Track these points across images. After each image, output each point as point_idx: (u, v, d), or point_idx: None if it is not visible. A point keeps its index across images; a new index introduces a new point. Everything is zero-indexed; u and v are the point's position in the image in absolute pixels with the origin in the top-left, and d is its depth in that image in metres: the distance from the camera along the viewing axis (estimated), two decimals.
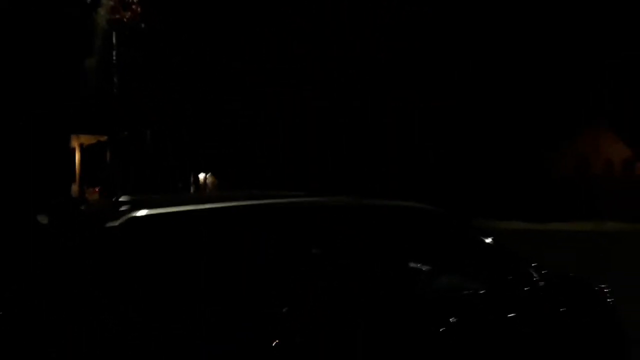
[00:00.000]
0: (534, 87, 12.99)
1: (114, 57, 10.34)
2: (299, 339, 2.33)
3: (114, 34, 9.88)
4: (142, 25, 9.59)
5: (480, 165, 12.90)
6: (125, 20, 9.26)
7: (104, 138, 16.05)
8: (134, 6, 9.45)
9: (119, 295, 2.11)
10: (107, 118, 12.04)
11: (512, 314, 2.84)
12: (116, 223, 2.22)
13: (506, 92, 12.94)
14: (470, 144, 13.19)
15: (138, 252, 2.26)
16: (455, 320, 2.63)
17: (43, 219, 2.50)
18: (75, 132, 13.90)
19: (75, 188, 15.43)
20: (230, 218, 2.55)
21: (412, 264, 3.05)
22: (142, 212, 2.34)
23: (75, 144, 16.19)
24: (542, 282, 2.93)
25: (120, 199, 2.61)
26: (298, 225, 2.57)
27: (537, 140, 13.14)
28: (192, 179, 19.81)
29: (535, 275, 2.94)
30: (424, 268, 3.11)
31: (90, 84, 10.64)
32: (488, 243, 3.01)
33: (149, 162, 13.47)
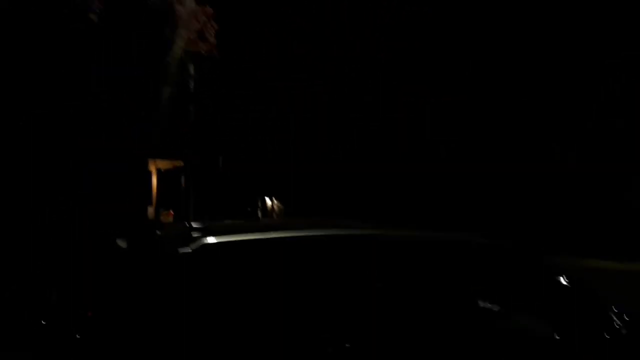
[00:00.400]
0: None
1: (191, 87, 10.94)
2: None
3: (191, 65, 10.49)
4: (218, 56, 10.11)
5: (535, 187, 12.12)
6: (202, 52, 9.81)
7: (179, 163, 16.87)
8: (210, 38, 10.00)
9: (193, 316, 2.19)
10: (183, 144, 12.66)
11: None
12: (189, 249, 2.33)
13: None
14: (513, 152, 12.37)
15: (209, 277, 2.35)
16: None
17: (122, 243, 2.66)
18: (153, 157, 14.71)
19: (151, 211, 16.22)
20: (294, 247, 2.60)
21: (480, 303, 2.94)
22: (213, 240, 2.43)
23: (152, 168, 17.11)
24: (625, 330, 2.73)
25: (193, 225, 2.73)
26: (361, 257, 2.57)
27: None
28: (259, 204, 20.29)
29: (617, 321, 2.74)
30: (494, 308, 2.98)
31: (165, 111, 11.25)
32: (563, 283, 2.85)
33: (220, 187, 13.95)
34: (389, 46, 12.03)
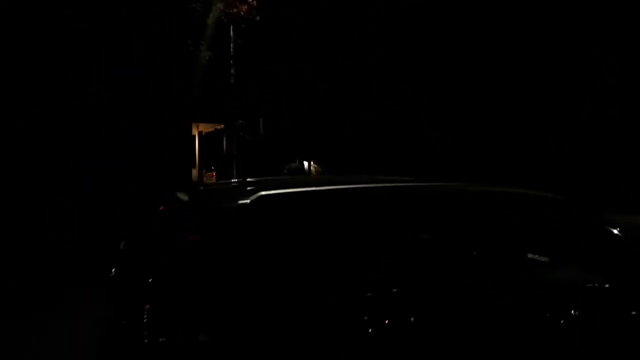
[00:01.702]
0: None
1: (231, 49, 10.99)
2: (409, 320, 2.40)
3: (231, 27, 10.50)
4: (257, 18, 10.07)
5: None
6: (242, 13, 9.78)
7: (220, 126, 17.14)
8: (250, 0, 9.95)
9: (251, 262, 2.32)
10: (224, 107, 12.81)
11: (636, 312, 2.67)
12: (248, 200, 2.45)
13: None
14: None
15: (266, 226, 2.47)
16: (576, 313, 2.54)
17: (183, 196, 2.81)
18: (196, 120, 14.99)
19: (195, 172, 16.67)
20: (348, 199, 2.68)
21: (531, 255, 2.97)
22: (270, 192, 2.54)
23: (195, 131, 17.46)
24: None
25: (247, 180, 2.84)
26: (417, 209, 2.63)
27: None
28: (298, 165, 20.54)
29: None
30: (544, 259, 3.01)
31: (202, 75, 11.32)
32: (616, 235, 2.84)
33: (259, 149, 14.15)
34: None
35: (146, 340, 2.23)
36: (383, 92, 13.48)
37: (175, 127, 11.71)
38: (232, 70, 11.13)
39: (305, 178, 3.28)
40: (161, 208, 3.27)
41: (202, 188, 3.16)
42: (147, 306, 2.24)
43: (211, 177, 18.51)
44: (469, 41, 12.01)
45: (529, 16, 11.47)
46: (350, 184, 2.79)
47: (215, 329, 2.29)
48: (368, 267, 2.49)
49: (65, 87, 8.76)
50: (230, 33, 10.66)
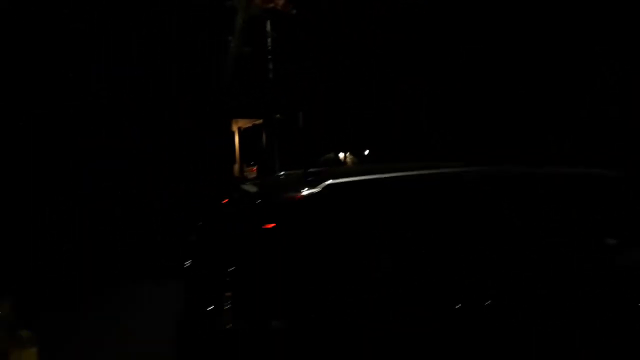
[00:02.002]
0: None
1: (269, 44, 11.10)
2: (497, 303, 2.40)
3: (268, 21, 10.59)
4: (294, 12, 10.12)
5: None
6: (278, 8, 9.85)
7: (259, 121, 17.36)
8: None
9: (323, 249, 2.40)
10: (262, 103, 12.97)
11: None
12: (316, 190, 2.52)
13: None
14: None
15: (334, 213, 2.53)
16: None
17: (251, 188, 2.90)
18: (235, 117, 15.23)
19: (235, 167, 16.99)
20: (411, 185, 2.71)
21: (599, 237, 2.93)
22: (337, 180, 2.61)
23: (234, 128, 17.77)
24: None
25: (309, 171, 2.90)
26: (485, 194, 2.64)
27: None
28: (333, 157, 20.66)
29: None
30: (611, 241, 2.96)
31: (229, 72, 11.42)
32: None
33: (298, 142, 14.26)
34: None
35: (228, 326, 2.34)
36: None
37: (216, 125, 11.91)
38: (270, 65, 11.24)
39: (360, 167, 3.31)
40: (225, 201, 3.38)
41: (267, 180, 3.25)
42: (229, 294, 2.35)
43: (252, 172, 18.80)
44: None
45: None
46: (413, 171, 2.82)
47: (289, 315, 2.38)
48: (439, 253, 2.52)
49: (116, 86, 9.03)
50: (267, 27, 10.77)
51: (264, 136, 16.01)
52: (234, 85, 11.80)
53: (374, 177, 2.65)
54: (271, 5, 9.75)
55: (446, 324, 2.37)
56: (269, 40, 10.98)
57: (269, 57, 11.24)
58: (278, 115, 14.37)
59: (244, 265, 2.43)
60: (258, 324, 2.35)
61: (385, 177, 2.65)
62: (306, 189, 2.59)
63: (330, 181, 2.57)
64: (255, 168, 17.66)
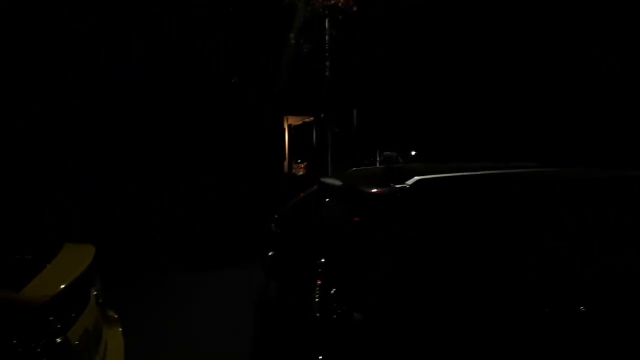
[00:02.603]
0: None
1: (326, 41, 11.16)
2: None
3: (326, 19, 10.67)
4: (355, 8, 10.13)
5: None
6: (340, 4, 9.88)
7: (309, 119, 17.48)
8: None
9: (411, 244, 2.41)
10: (316, 100, 13.05)
11: None
12: (406, 185, 2.53)
13: None
14: None
15: (424, 208, 2.53)
16: None
17: (334, 181, 2.95)
18: (287, 114, 15.41)
19: (285, 164, 17.19)
20: (499, 183, 2.68)
21: None
22: (427, 176, 2.61)
23: (284, 125, 17.97)
24: None
25: (392, 166, 2.91)
26: (573, 195, 2.58)
27: None
28: (377, 156, 20.57)
29: None
30: None
31: (287, 69, 11.50)
32: None
33: (351, 140, 14.27)
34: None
35: (318, 314, 2.38)
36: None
37: (269, 122, 12.06)
38: (327, 63, 11.31)
39: (430, 165, 3.28)
40: (302, 194, 3.43)
41: (347, 174, 3.27)
42: (319, 282, 2.39)
43: (300, 169, 18.96)
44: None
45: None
46: (498, 170, 2.79)
47: (370, 308, 2.39)
48: (526, 253, 2.48)
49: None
50: (325, 24, 10.85)
51: (314, 133, 16.13)
52: (289, 82, 11.94)
53: (464, 174, 2.63)
54: (332, 1, 9.79)
55: (531, 327, 2.32)
56: (327, 37, 11.06)
57: (326, 54, 11.30)
58: (331, 113, 14.41)
59: (334, 256, 2.47)
60: (342, 315, 2.38)
61: (475, 175, 2.62)
62: (393, 184, 2.60)
63: (419, 177, 2.57)
64: (304, 165, 17.83)
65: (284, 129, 17.14)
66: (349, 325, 2.35)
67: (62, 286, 2.22)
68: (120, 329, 3.15)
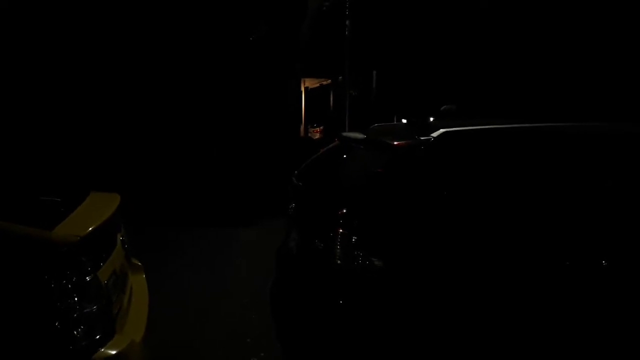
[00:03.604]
0: None
1: (347, 3, 10.92)
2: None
3: None
4: None
5: None
6: None
7: (327, 81, 17.28)
8: None
9: (435, 194, 2.41)
10: (334, 61, 12.87)
11: None
12: (432, 137, 2.51)
13: None
14: None
15: (450, 158, 2.53)
16: None
17: (357, 135, 2.94)
18: (304, 76, 15.23)
19: (302, 128, 17.12)
20: (527, 136, 2.65)
21: None
22: (449, 129, 2.59)
23: (301, 88, 17.81)
24: None
25: (414, 120, 2.88)
26: (601, 150, 2.55)
27: None
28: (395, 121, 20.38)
29: None
30: None
31: (307, 29, 11.28)
32: None
33: (370, 103, 14.12)
34: None
35: (339, 262, 2.42)
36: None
37: (287, 83, 11.96)
38: (347, 22, 11.07)
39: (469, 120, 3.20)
40: (322, 150, 3.43)
41: (373, 128, 3.26)
42: (340, 230, 2.42)
43: (316, 133, 18.87)
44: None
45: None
46: (526, 123, 2.75)
47: (390, 254, 2.42)
48: (549, 206, 2.47)
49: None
50: None
51: (331, 97, 15.96)
52: (308, 43, 11.75)
53: (491, 127, 2.61)
54: None
55: (551, 279, 2.33)
56: None
57: (347, 12, 11.06)
58: (346, 76, 14.23)
59: (355, 207, 2.48)
60: (363, 262, 2.41)
61: (503, 128, 2.60)
62: (418, 136, 2.59)
63: (445, 129, 2.55)
64: (320, 129, 17.71)
65: (301, 92, 17.03)
66: (370, 272, 2.39)
67: (91, 228, 2.27)
68: (144, 276, 3.24)
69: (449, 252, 2.40)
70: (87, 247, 2.20)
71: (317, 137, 18.35)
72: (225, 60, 9.79)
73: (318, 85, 18.15)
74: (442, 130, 2.53)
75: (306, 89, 18.28)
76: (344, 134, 3.13)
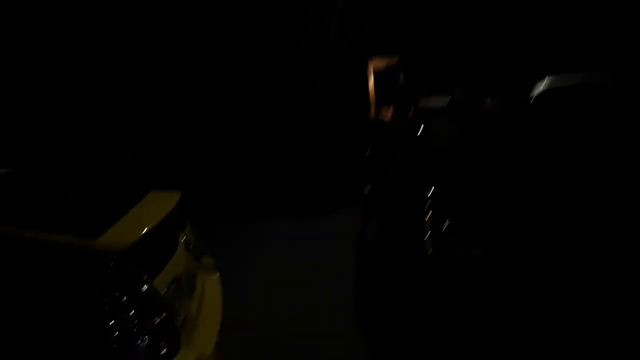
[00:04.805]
0: None
1: None
2: None
3: None
4: None
5: None
6: None
7: (392, 61, 16.62)
8: None
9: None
10: (401, 38, 12.21)
11: None
12: (535, 94, 2.04)
13: None
14: None
15: (553, 113, 2.05)
16: None
17: (438, 102, 2.51)
18: (371, 58, 14.67)
19: (372, 110, 16.61)
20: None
21: None
22: (549, 85, 2.10)
23: (370, 70, 17.27)
24: None
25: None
26: None
27: None
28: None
29: None
30: None
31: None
32: None
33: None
34: None
35: (431, 250, 2.01)
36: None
37: (354, 64, 11.52)
38: None
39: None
40: (393, 119, 3.04)
41: (454, 93, 2.81)
42: (429, 214, 2.01)
43: (388, 112, 18.34)
44: None
45: None
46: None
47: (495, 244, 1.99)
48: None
49: None
50: None
51: (401, 75, 15.30)
52: (370, 22, 11.19)
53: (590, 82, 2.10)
54: None
55: None
56: None
57: None
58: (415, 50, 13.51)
59: (446, 184, 2.06)
60: (458, 251, 1.99)
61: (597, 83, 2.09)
62: (516, 96, 2.12)
63: (545, 87, 2.07)
64: (391, 109, 17.16)
65: (369, 73, 16.48)
66: (467, 262, 1.97)
67: (143, 232, 2.02)
68: (218, 275, 2.99)
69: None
70: (140, 254, 1.95)
71: (389, 118, 17.82)
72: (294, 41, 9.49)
73: (385, 65, 17.57)
74: (542, 89, 2.04)
75: (374, 70, 17.73)
76: (420, 102, 2.68)
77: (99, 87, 8.44)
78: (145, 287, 1.91)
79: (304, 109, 9.94)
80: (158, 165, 7.97)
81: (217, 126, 9.06)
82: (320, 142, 9.80)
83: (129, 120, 8.52)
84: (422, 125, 2.63)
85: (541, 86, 2.11)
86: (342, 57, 10.62)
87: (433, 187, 2.04)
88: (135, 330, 1.82)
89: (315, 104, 10.01)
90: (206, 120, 9.00)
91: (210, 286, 2.78)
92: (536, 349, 1.97)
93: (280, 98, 9.60)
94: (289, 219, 6.96)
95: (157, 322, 1.89)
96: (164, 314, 1.93)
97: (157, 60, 8.76)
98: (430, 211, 2.01)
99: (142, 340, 1.82)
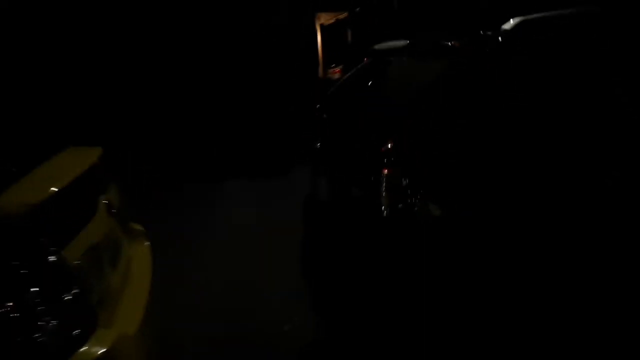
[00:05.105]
0: None
1: None
2: None
3: None
4: None
5: None
6: None
7: (342, 15, 16.09)
8: None
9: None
10: None
11: None
12: (509, 27, 1.82)
13: None
14: None
15: (528, 46, 1.85)
16: None
17: (397, 44, 2.25)
18: (317, 11, 14.14)
19: (320, 69, 16.12)
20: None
21: None
22: (531, 16, 1.88)
23: (316, 25, 16.67)
24: None
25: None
26: None
27: None
28: None
29: None
30: None
31: None
32: None
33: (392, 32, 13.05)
34: None
35: (386, 210, 1.79)
36: None
37: (300, 20, 11.10)
38: None
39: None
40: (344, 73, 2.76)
41: (414, 37, 2.55)
42: (386, 171, 1.78)
43: (335, 73, 17.89)
44: None
45: None
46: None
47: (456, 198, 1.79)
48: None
49: None
50: None
51: (349, 32, 14.86)
52: None
53: (563, 13, 1.90)
54: None
55: None
56: None
57: None
58: (357, 9, 13.16)
59: (406, 138, 1.82)
60: (420, 209, 1.78)
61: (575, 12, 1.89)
62: (484, 32, 1.89)
63: (521, 18, 1.84)
64: (339, 69, 16.72)
65: (316, 30, 15.96)
66: (430, 221, 1.77)
67: (49, 193, 1.69)
68: (148, 243, 2.68)
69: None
70: (46, 219, 1.62)
71: (336, 77, 17.38)
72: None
73: (334, 20, 16.97)
74: (518, 19, 1.81)
75: (321, 25, 17.12)
76: (376, 46, 2.43)
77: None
78: (52, 257, 1.59)
79: (259, 69, 9.62)
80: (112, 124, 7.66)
81: (174, 85, 8.70)
82: (272, 101, 9.52)
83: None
84: (380, 70, 2.37)
85: (510, 22, 1.89)
86: (292, 13, 10.19)
87: (390, 141, 1.80)
88: (39, 310, 1.51)
89: (268, 63, 9.66)
90: (163, 80, 8.63)
91: (139, 256, 2.47)
92: (488, 321, 1.81)
93: (239, 61, 9.26)
94: (240, 179, 6.65)
95: (67, 298, 1.59)
96: (76, 289, 1.62)
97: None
98: (387, 168, 1.78)
99: (48, 322, 1.52)
